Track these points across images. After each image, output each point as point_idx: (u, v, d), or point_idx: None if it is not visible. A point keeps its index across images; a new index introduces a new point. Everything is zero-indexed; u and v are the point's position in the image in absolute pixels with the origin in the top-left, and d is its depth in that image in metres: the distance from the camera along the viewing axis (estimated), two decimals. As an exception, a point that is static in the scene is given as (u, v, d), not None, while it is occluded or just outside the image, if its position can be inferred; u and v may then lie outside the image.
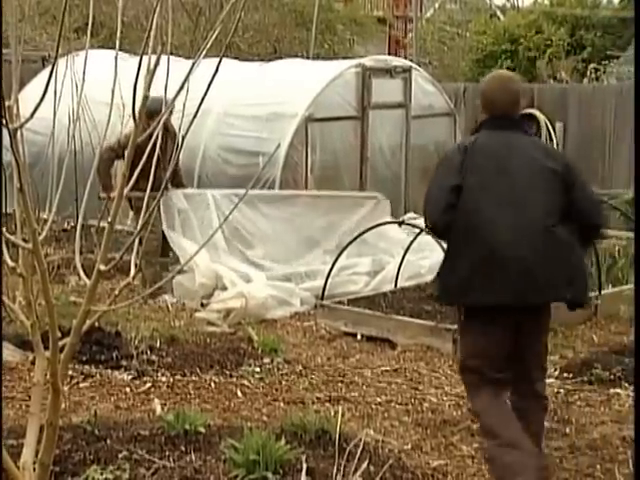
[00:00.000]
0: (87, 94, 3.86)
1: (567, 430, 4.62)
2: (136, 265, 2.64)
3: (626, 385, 5.24)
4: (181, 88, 2.52)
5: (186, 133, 2.62)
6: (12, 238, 2.57)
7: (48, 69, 2.49)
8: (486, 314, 3.62)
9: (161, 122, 2.57)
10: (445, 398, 5.14)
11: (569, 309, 3.75)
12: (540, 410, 3.84)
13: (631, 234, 8.58)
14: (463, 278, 3.61)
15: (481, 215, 3.61)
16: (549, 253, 3.59)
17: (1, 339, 4.02)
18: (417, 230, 7.15)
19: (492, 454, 3.63)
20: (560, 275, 3.63)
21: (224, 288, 6.91)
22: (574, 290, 3.65)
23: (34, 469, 2.86)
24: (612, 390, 5.22)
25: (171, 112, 6.43)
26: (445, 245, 3.82)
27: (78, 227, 2.82)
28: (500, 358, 3.65)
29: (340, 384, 5.36)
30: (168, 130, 7.08)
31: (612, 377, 5.34)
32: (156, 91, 2.58)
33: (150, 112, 6.84)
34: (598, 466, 4.18)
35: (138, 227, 2.67)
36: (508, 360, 3.67)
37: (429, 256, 7.50)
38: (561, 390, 5.27)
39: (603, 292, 7.01)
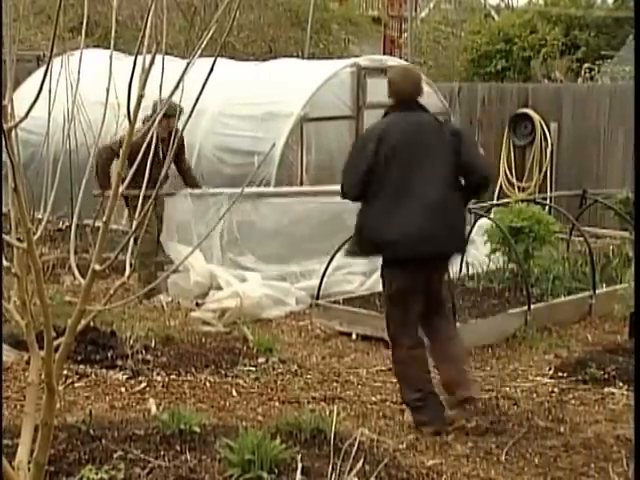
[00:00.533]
0: (82, 94, 3.86)
1: (561, 429, 4.64)
2: (131, 265, 2.64)
3: (620, 384, 5.26)
4: (176, 88, 2.52)
5: (181, 132, 2.62)
6: (7, 238, 2.57)
7: (43, 69, 2.48)
8: (407, 263, 4.50)
9: (156, 122, 2.57)
10: (440, 397, 5.14)
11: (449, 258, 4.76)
12: (450, 330, 4.75)
13: (625, 233, 8.61)
14: (389, 236, 4.45)
15: (400, 184, 4.46)
16: (447, 219, 4.54)
17: (1, 339, 4.02)
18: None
19: (400, 367, 4.64)
20: (453, 235, 4.62)
21: (219, 287, 6.91)
22: (462, 245, 4.77)
23: (29, 469, 2.86)
24: (606, 389, 5.23)
25: (180, 116, 6.44)
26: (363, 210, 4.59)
27: (73, 227, 2.82)
28: (417, 294, 4.57)
29: (335, 383, 5.37)
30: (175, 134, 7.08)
31: (606, 376, 5.35)
32: (151, 91, 2.58)
33: (169, 115, 6.85)
34: (592, 465, 4.20)
35: (133, 227, 2.67)
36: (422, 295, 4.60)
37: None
38: (555, 389, 5.28)
39: (597, 292, 7.03)
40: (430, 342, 4.63)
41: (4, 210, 2.71)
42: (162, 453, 3.84)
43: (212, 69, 2.49)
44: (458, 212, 4.66)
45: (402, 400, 4.67)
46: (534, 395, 5.20)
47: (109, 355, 5.44)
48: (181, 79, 2.52)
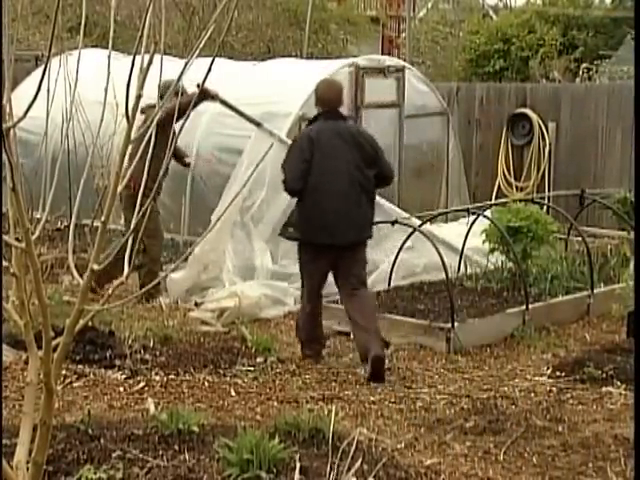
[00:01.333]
0: (80, 93, 3.86)
1: (559, 428, 4.64)
2: (138, 266, 2.64)
3: (618, 384, 5.27)
4: (174, 87, 2.52)
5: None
6: (5, 238, 2.57)
7: (41, 68, 2.48)
8: (318, 248, 5.52)
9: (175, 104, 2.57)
10: (438, 397, 5.16)
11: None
12: (364, 299, 5.67)
13: (623, 233, 8.62)
14: (310, 225, 5.46)
15: (322, 182, 5.42)
16: (355, 212, 5.49)
17: (1, 340, 4.02)
18: (410, 229, 7.16)
19: (301, 318, 5.76)
20: (361, 226, 5.58)
21: (217, 279, 6.91)
22: (367, 234, 5.66)
23: (27, 468, 2.86)
24: (604, 388, 5.24)
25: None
26: (298, 202, 5.52)
27: (71, 226, 2.82)
28: (319, 271, 5.62)
29: (333, 383, 5.37)
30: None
31: (604, 375, 5.36)
32: (151, 90, 2.58)
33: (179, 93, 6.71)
34: (590, 464, 4.20)
35: (131, 227, 2.67)
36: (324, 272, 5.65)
37: (423, 255, 7.52)
38: (554, 389, 5.29)
39: (595, 291, 7.04)
40: (350, 313, 5.62)
41: (3, 210, 2.71)
42: (161, 453, 3.84)
43: (210, 69, 2.49)
44: (365, 209, 5.58)
45: (298, 339, 5.84)
46: (532, 394, 5.20)
47: (107, 355, 5.44)
48: (179, 79, 2.53)
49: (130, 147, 2.54)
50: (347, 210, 5.45)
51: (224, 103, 7.10)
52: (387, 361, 5.83)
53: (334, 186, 5.43)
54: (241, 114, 7.11)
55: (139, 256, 6.74)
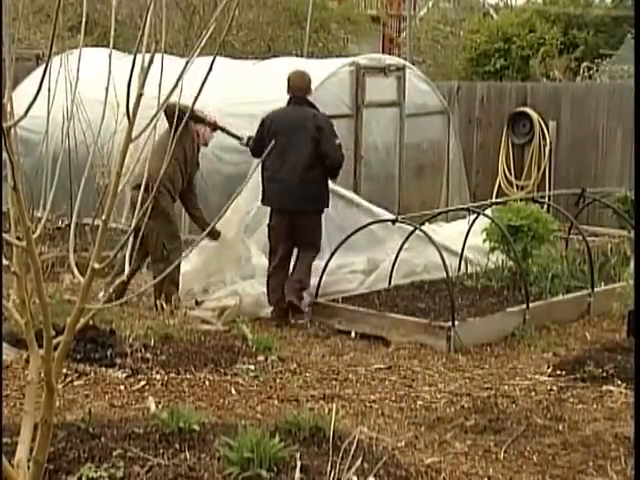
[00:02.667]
0: (81, 92, 3.87)
1: (560, 427, 4.64)
2: (130, 263, 2.64)
3: (619, 382, 5.27)
4: (175, 86, 2.53)
5: (179, 132, 2.62)
6: (6, 236, 2.58)
7: (42, 67, 2.49)
8: (275, 211, 6.65)
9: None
10: (439, 395, 5.16)
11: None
12: (303, 257, 6.68)
13: (623, 232, 8.63)
14: (270, 194, 6.61)
15: (279, 157, 6.42)
16: (304, 184, 6.48)
17: (1, 340, 4.02)
18: (411, 228, 7.17)
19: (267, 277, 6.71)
20: (311, 195, 6.54)
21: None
22: (318, 203, 6.62)
23: (28, 467, 2.86)
24: (605, 387, 5.24)
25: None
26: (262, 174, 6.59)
27: (72, 225, 2.82)
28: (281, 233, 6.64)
29: (334, 382, 5.37)
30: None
31: (605, 374, 5.36)
32: (150, 90, 2.58)
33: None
34: (591, 463, 4.20)
35: (132, 226, 2.68)
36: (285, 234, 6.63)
37: (423, 254, 7.53)
38: (554, 387, 5.29)
39: (596, 290, 7.04)
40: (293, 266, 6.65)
41: (3, 209, 2.72)
42: (161, 451, 3.84)
43: (211, 68, 2.49)
44: (313, 183, 6.52)
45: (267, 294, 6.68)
46: (533, 393, 5.21)
47: (108, 353, 5.44)
48: (180, 78, 2.53)
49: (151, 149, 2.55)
50: (296, 182, 6.46)
51: (223, 130, 7.21)
52: (387, 360, 5.84)
53: (287, 161, 6.44)
54: (239, 138, 7.17)
55: (158, 264, 6.62)
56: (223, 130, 7.25)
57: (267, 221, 6.78)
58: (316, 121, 6.51)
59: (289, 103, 6.65)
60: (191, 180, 7.04)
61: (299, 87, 6.62)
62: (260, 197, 6.74)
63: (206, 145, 7.19)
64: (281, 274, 6.60)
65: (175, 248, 6.67)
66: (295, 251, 6.69)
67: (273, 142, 5.93)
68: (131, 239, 2.75)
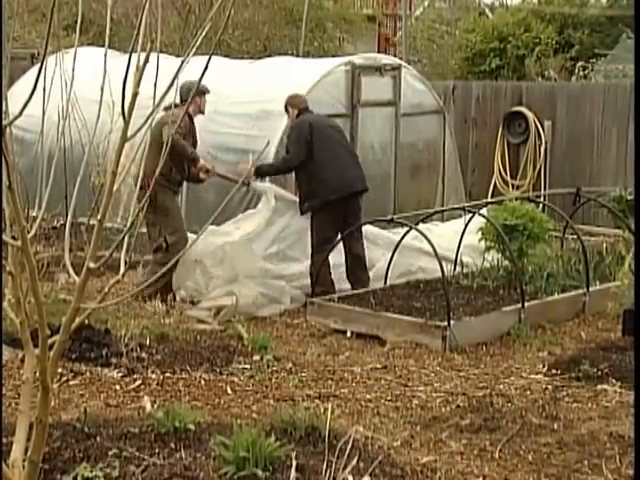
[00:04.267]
0: (77, 92, 3.86)
1: (555, 426, 4.65)
2: (126, 262, 2.64)
3: (614, 381, 5.28)
4: (170, 86, 2.53)
5: (175, 131, 2.62)
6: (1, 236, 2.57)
7: (37, 67, 2.49)
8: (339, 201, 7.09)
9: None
10: (434, 395, 5.17)
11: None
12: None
13: (618, 231, 8.64)
14: (327, 188, 7.01)
15: (331, 155, 7.11)
16: (357, 172, 7.28)
17: (1, 340, 4.02)
18: (407, 227, 7.17)
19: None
20: (361, 181, 7.29)
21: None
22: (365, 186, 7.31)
23: (24, 466, 2.86)
24: (600, 386, 5.25)
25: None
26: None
27: (68, 225, 2.82)
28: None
29: (330, 381, 5.38)
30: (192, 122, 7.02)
31: (600, 373, 5.37)
32: (146, 89, 2.58)
33: (202, 92, 6.98)
34: (586, 462, 4.21)
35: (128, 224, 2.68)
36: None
37: (418, 253, 7.54)
38: (549, 386, 5.30)
39: (591, 289, 7.05)
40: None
41: (-1, 208, 2.71)
42: (157, 451, 3.84)
43: (207, 67, 2.49)
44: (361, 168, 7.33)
45: (314, 279, 6.97)
46: (528, 392, 5.21)
47: (104, 353, 5.44)
48: (176, 77, 2.53)
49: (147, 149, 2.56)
50: (354, 170, 7.32)
51: (220, 175, 7.28)
52: (383, 359, 5.85)
53: (341, 155, 7.28)
54: (234, 181, 7.20)
55: (159, 254, 6.71)
56: (220, 176, 7.31)
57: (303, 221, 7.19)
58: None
59: (301, 113, 7.34)
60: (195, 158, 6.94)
61: (304, 102, 7.47)
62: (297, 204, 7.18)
63: (203, 113, 7.09)
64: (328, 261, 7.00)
65: (176, 242, 6.73)
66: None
67: (316, 144, 6.90)
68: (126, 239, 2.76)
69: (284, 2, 18.00)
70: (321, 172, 6.98)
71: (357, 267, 7.17)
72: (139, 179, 2.87)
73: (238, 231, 7.12)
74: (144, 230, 6.94)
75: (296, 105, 7.32)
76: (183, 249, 6.33)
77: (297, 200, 7.35)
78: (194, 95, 6.55)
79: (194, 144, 7.10)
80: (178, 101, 6.34)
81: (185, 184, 8.36)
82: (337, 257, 7.25)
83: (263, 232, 7.16)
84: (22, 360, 4.60)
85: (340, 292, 7.03)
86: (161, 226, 6.80)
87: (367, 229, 7.47)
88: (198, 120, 7.39)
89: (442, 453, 4.30)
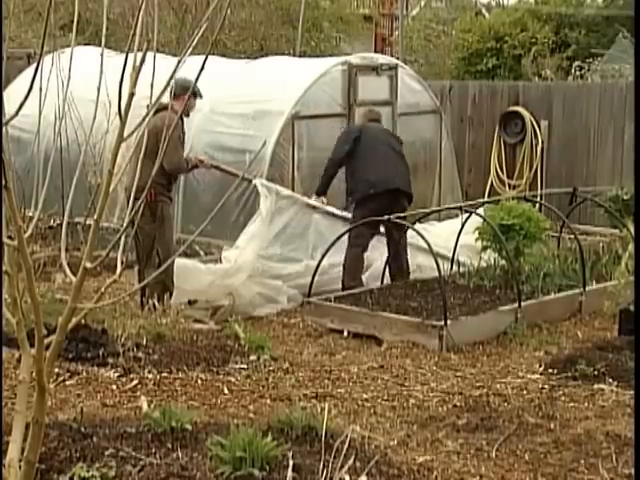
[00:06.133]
0: (73, 91, 3.85)
1: (551, 425, 4.66)
2: (122, 262, 2.64)
3: (610, 381, 5.29)
4: (167, 86, 2.53)
5: (172, 131, 2.62)
6: (-2, 235, 2.57)
7: (33, 66, 2.49)
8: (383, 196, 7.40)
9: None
10: (431, 394, 5.17)
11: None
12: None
13: (615, 231, 8.65)
14: (366, 184, 7.38)
15: (375, 155, 7.49)
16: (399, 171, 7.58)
17: (1, 340, 4.01)
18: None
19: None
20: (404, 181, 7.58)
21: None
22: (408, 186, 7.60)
23: (20, 467, 2.86)
24: (596, 385, 5.26)
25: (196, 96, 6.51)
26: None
27: (64, 224, 2.82)
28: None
29: (326, 381, 5.38)
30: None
31: (596, 373, 5.38)
32: (142, 89, 2.58)
33: (194, 93, 6.84)
34: (582, 461, 4.22)
35: (125, 224, 2.67)
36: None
37: (415, 253, 7.55)
38: (546, 386, 5.31)
39: (587, 289, 7.06)
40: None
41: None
42: (153, 451, 3.84)
43: (203, 67, 2.49)
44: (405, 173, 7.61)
45: (343, 270, 7.23)
46: (524, 392, 5.22)
47: (100, 353, 5.43)
48: (172, 77, 2.53)
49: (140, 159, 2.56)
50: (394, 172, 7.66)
51: (217, 168, 7.26)
52: (380, 359, 5.86)
53: (387, 157, 7.69)
54: (234, 174, 7.19)
55: (149, 268, 6.59)
56: (220, 169, 7.28)
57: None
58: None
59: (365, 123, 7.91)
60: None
61: (372, 117, 7.98)
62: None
63: (187, 115, 6.90)
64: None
65: (168, 255, 6.56)
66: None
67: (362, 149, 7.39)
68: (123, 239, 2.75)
69: (281, 2, 17.99)
70: (363, 170, 7.35)
71: (392, 267, 7.38)
72: (134, 190, 2.74)
73: (249, 246, 7.04)
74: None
75: (367, 116, 7.95)
76: (172, 257, 6.25)
77: (298, 198, 7.50)
78: (188, 96, 6.45)
79: (183, 143, 6.98)
80: (167, 100, 6.28)
81: (181, 186, 8.37)
82: (337, 256, 7.25)
83: (265, 231, 7.14)
84: (18, 360, 4.59)
85: (337, 292, 7.03)
86: (154, 238, 6.64)
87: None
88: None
89: (439, 452, 4.30)
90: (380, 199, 7.25)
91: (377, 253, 7.58)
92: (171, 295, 6.67)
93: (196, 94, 6.72)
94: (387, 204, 7.19)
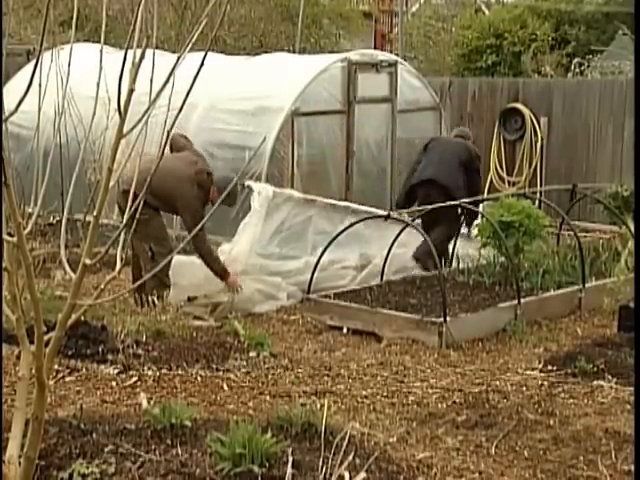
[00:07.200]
0: (72, 88, 3.85)
1: (551, 422, 4.66)
2: (122, 259, 2.64)
3: (609, 377, 5.29)
4: (166, 82, 2.52)
5: (171, 128, 2.62)
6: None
7: (33, 63, 2.48)
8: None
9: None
10: (430, 391, 5.17)
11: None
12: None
13: (614, 228, 8.65)
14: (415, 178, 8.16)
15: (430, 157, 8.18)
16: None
17: (1, 336, 4.01)
18: (403, 224, 7.18)
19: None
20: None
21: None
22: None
23: (20, 463, 2.86)
24: (595, 382, 5.26)
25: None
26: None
27: (64, 221, 2.82)
28: None
29: (326, 377, 5.38)
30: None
31: (596, 369, 5.38)
32: (142, 85, 2.57)
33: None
34: (581, 457, 4.22)
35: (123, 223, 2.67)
36: None
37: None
38: (545, 383, 5.31)
39: (587, 285, 7.06)
40: None
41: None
42: (153, 447, 3.84)
43: (203, 63, 2.49)
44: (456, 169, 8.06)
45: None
46: (524, 388, 5.22)
47: (100, 349, 5.43)
48: (172, 73, 2.53)
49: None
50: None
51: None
52: (379, 355, 5.86)
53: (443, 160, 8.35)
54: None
55: (148, 265, 6.54)
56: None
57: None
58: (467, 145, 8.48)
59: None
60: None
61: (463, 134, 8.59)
62: None
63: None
64: None
65: (162, 254, 6.51)
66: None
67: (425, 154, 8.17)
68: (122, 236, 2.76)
69: (280, -2, 17.97)
70: (419, 168, 8.13)
71: (423, 252, 7.54)
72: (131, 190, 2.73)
73: (243, 237, 7.04)
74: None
75: (455, 132, 8.68)
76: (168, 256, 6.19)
77: (293, 193, 7.46)
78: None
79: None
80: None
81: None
82: (337, 253, 7.25)
83: (259, 224, 7.12)
84: (18, 357, 4.60)
85: (336, 288, 7.03)
86: (146, 237, 6.49)
87: (361, 226, 7.47)
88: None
89: (438, 449, 4.30)
90: (420, 189, 7.93)
91: (376, 250, 7.58)
92: (169, 288, 6.67)
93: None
94: (424, 194, 7.82)
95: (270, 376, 5.33)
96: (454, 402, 4.98)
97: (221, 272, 6.62)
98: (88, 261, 2.57)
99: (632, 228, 7.69)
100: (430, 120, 9.73)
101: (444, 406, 4.92)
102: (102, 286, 2.70)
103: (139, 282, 5.84)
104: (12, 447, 2.90)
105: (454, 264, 7.62)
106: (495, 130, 11.17)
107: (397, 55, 13.17)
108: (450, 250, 7.82)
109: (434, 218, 7.63)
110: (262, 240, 7.17)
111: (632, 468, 3.92)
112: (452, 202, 7.50)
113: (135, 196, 2.94)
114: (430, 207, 7.53)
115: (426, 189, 7.91)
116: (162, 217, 6.77)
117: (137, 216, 2.69)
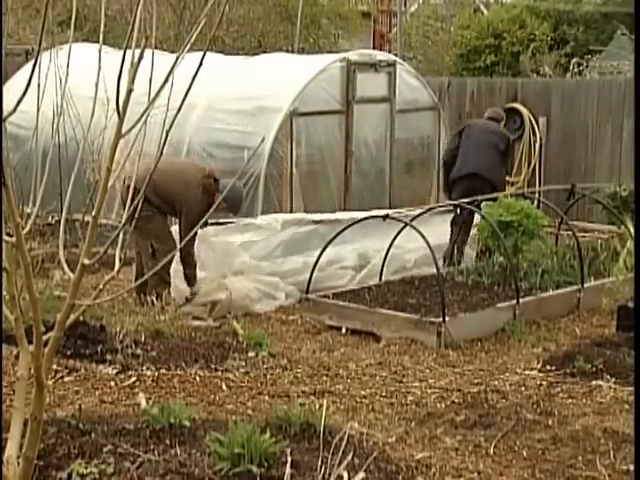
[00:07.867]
0: (71, 88, 3.85)
1: (549, 422, 4.66)
2: (121, 259, 2.64)
3: (608, 377, 5.30)
4: (165, 82, 2.52)
5: (170, 128, 2.62)
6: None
7: (31, 62, 2.48)
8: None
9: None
10: (429, 391, 5.18)
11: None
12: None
13: (613, 228, 8.65)
14: (455, 170, 8.32)
15: (468, 146, 8.32)
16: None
17: (1, 340, 4.01)
18: (401, 224, 7.17)
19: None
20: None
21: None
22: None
23: (18, 463, 2.86)
24: (594, 382, 5.26)
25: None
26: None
27: (62, 221, 2.82)
28: None
29: (325, 377, 5.38)
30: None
31: (594, 369, 5.39)
32: (140, 85, 2.57)
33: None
34: (580, 457, 4.22)
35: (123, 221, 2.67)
36: None
37: (414, 250, 7.54)
38: (544, 382, 5.32)
39: (586, 285, 7.07)
40: None
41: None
42: (152, 447, 3.84)
43: (201, 63, 2.49)
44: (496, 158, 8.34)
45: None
46: (522, 388, 5.23)
47: (99, 349, 5.43)
48: (170, 73, 2.53)
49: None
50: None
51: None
52: (378, 355, 5.86)
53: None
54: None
55: (149, 262, 6.56)
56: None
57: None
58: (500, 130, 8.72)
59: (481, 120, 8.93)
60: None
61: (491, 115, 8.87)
62: None
63: (210, 206, 6.59)
64: None
65: (164, 251, 6.52)
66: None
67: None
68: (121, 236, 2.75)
69: (279, -2, 17.97)
70: (459, 157, 8.24)
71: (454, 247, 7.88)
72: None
73: (239, 238, 7.07)
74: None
75: (488, 114, 8.88)
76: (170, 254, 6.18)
77: (304, 217, 7.62)
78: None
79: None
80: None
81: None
82: (337, 251, 7.25)
83: (262, 242, 7.20)
84: (17, 357, 4.59)
85: (335, 288, 7.03)
86: (148, 234, 6.54)
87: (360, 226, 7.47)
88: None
89: (437, 449, 4.30)
90: (463, 182, 8.08)
91: (375, 250, 7.58)
92: (169, 286, 6.68)
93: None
94: (467, 187, 7.94)
95: (269, 376, 5.33)
96: (453, 402, 4.98)
97: (191, 278, 6.72)
98: (87, 261, 2.57)
99: (631, 228, 7.70)
100: (429, 120, 9.73)
101: (443, 406, 4.92)
102: (101, 286, 2.70)
103: (140, 280, 5.84)
104: (11, 447, 2.90)
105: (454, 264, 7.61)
106: (494, 130, 11.15)
107: (396, 55, 13.16)
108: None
109: (470, 211, 7.71)
110: (263, 252, 7.21)
111: (631, 468, 3.92)
112: (495, 194, 7.68)
113: (136, 192, 2.95)
114: (475, 199, 7.55)
115: (470, 181, 8.06)
116: (166, 215, 6.79)
117: (138, 212, 2.69)
